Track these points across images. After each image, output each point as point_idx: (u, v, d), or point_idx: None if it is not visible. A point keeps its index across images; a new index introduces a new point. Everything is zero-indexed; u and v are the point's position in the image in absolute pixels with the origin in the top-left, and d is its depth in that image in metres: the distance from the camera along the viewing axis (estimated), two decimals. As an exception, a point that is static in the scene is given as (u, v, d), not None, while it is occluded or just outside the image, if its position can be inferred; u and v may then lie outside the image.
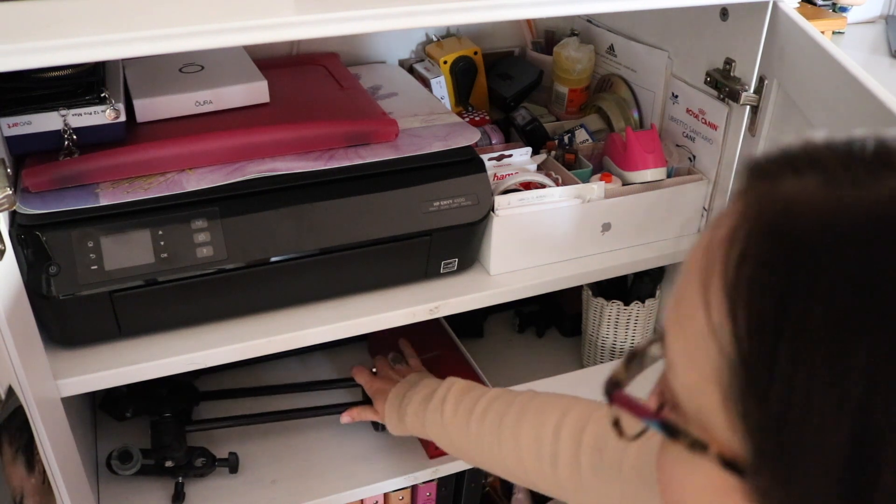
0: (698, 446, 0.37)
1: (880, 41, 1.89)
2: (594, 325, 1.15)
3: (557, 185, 0.96)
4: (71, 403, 0.82)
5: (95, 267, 0.76)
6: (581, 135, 1.09)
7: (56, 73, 0.77)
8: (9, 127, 0.78)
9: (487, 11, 0.74)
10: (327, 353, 1.21)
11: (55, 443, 0.75)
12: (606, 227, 0.98)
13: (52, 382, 0.77)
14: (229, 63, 0.96)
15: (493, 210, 0.91)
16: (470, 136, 0.92)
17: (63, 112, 0.79)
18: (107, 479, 0.98)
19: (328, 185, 0.84)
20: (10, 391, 0.67)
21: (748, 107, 0.94)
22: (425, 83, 1.13)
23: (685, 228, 1.04)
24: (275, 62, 1.05)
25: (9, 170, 0.70)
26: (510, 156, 0.99)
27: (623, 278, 1.15)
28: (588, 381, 1.12)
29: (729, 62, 0.95)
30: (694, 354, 0.36)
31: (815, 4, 1.88)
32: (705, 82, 0.99)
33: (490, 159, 0.97)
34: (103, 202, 0.77)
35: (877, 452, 0.31)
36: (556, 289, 0.97)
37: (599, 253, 0.99)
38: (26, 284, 0.72)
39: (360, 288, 0.90)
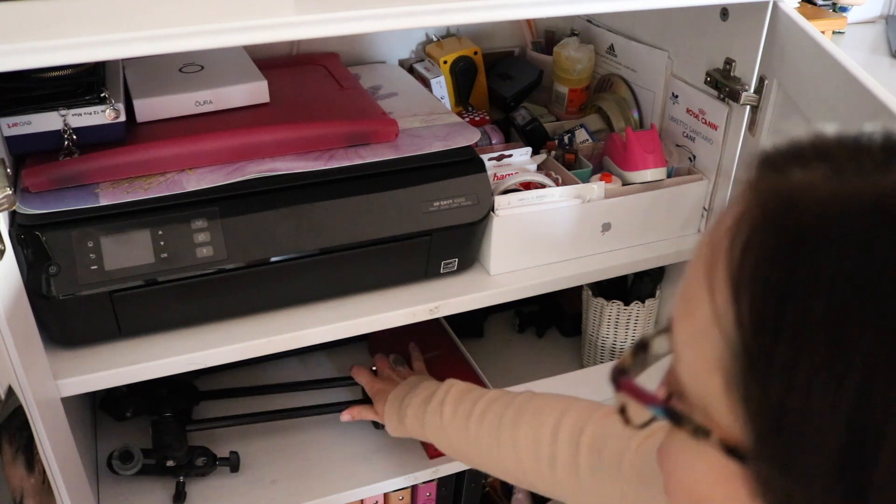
0: (701, 432, 0.37)
1: (880, 41, 1.89)
2: (594, 325, 1.15)
3: (557, 185, 0.96)
4: (71, 403, 0.82)
5: (95, 267, 0.76)
6: (581, 135, 1.09)
7: (56, 73, 0.77)
8: (9, 127, 0.78)
9: (487, 11, 0.74)
10: (327, 353, 1.21)
11: (55, 443, 0.75)
12: (606, 227, 0.98)
13: (52, 382, 0.77)
14: (229, 63, 0.96)
15: (493, 210, 0.91)
16: (470, 136, 0.92)
17: (63, 112, 0.79)
18: (107, 479, 0.98)
19: (328, 185, 0.84)
20: (10, 391, 0.67)
21: (748, 107, 0.94)
22: (425, 83, 1.13)
23: (685, 228, 1.04)
24: (275, 62, 1.05)
25: (9, 170, 0.70)
26: (510, 156, 0.99)
27: (623, 278, 1.15)
28: (588, 381, 1.12)
29: (729, 62, 0.95)
30: (699, 341, 0.37)
31: (815, 4, 1.88)
32: (705, 82, 0.99)
33: (490, 159, 0.97)
34: (103, 202, 0.77)
35: (873, 440, 0.31)
36: (556, 289, 0.97)
37: (599, 253, 0.99)
38: (26, 284, 0.72)
39: (360, 288, 0.90)
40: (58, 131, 0.79)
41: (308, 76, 1.05)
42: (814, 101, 0.85)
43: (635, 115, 1.13)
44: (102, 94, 0.80)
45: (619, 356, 1.14)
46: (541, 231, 0.94)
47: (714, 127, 0.99)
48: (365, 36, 1.17)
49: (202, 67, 0.94)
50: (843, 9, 1.90)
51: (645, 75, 1.11)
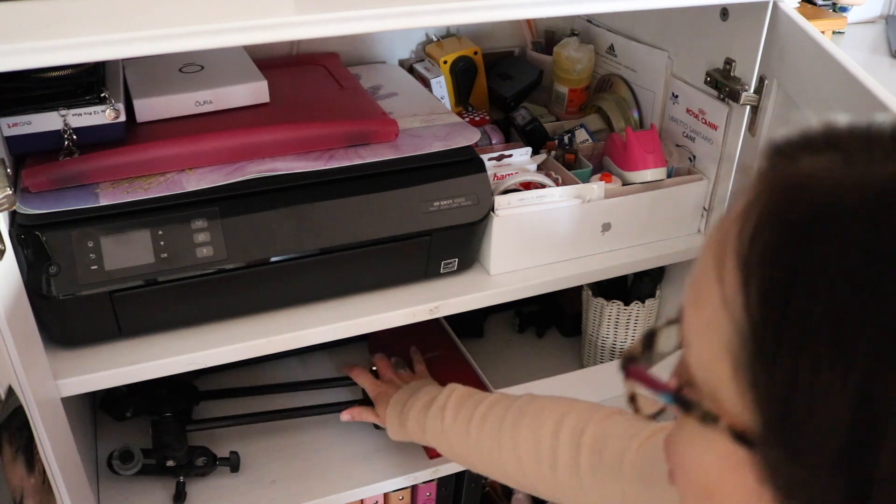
0: (710, 419, 0.37)
1: (880, 41, 1.89)
2: (594, 325, 1.15)
3: (557, 185, 0.96)
4: (71, 403, 0.82)
5: (95, 267, 0.76)
6: (581, 135, 1.09)
7: (56, 73, 0.77)
8: (9, 127, 0.78)
9: (487, 11, 0.74)
10: (327, 353, 1.21)
11: (55, 443, 0.75)
12: (606, 227, 0.98)
13: (52, 382, 0.77)
14: (229, 63, 0.96)
15: (493, 210, 0.91)
16: (470, 136, 0.92)
17: (63, 112, 0.79)
18: (107, 479, 0.98)
19: (328, 185, 0.84)
20: (10, 391, 0.67)
21: (748, 107, 0.94)
22: (425, 83, 1.13)
23: (685, 228, 1.04)
24: (275, 62, 1.05)
25: (9, 170, 0.70)
26: (510, 156, 0.99)
27: (623, 278, 1.15)
28: (588, 381, 1.12)
29: (729, 62, 0.95)
30: (708, 328, 0.37)
31: (815, 4, 1.88)
32: (705, 82, 0.99)
33: (490, 159, 0.97)
34: (103, 202, 0.77)
35: (879, 426, 0.32)
36: (556, 289, 0.97)
37: (599, 253, 0.99)
38: (26, 284, 0.72)
39: (360, 288, 0.90)
40: (58, 131, 0.79)
41: (308, 76, 1.05)
42: (814, 101, 0.85)
43: (635, 115, 1.13)
44: (102, 94, 0.80)
45: (619, 356, 1.14)
46: (541, 231, 0.94)
47: (714, 127, 0.99)
48: (365, 36, 1.17)
49: (202, 67, 0.94)
50: (843, 9, 1.90)
51: (645, 75, 1.11)
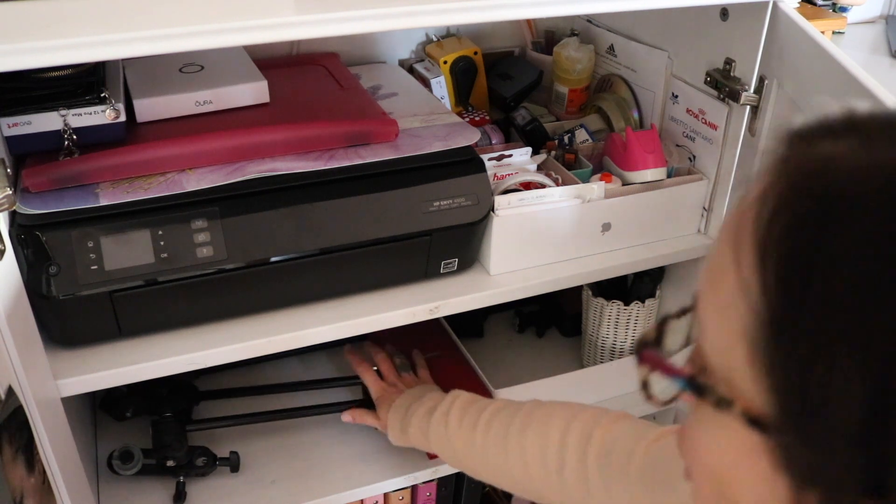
0: (724, 404, 0.37)
1: (880, 41, 1.89)
2: (594, 325, 1.15)
3: (557, 185, 0.96)
4: (71, 403, 0.82)
5: (95, 267, 0.76)
6: (581, 135, 1.09)
7: (56, 73, 0.77)
8: (9, 127, 0.78)
9: (487, 11, 0.74)
10: (327, 353, 1.21)
11: (55, 443, 0.75)
12: (606, 227, 0.98)
13: (52, 382, 0.77)
14: (229, 63, 0.96)
15: (493, 210, 0.91)
16: (470, 136, 0.92)
17: (63, 112, 0.79)
18: (107, 479, 0.98)
19: (328, 185, 0.84)
20: (10, 391, 0.67)
21: (748, 107, 0.94)
22: (425, 83, 1.13)
23: (685, 228, 1.04)
24: (275, 62, 1.05)
25: (9, 170, 0.70)
26: (510, 156, 0.99)
27: (623, 278, 1.15)
28: (588, 381, 1.12)
29: (729, 62, 0.95)
30: (724, 312, 0.37)
31: (815, 4, 1.88)
32: (705, 82, 0.99)
33: (490, 159, 0.97)
34: (103, 202, 0.77)
35: None
36: (556, 289, 0.97)
37: (599, 253, 0.99)
38: (26, 284, 0.72)
39: (360, 288, 0.90)
40: (58, 131, 0.79)
41: (308, 76, 1.05)
42: (814, 102, 0.85)
43: (635, 115, 1.13)
44: (102, 94, 0.80)
45: (619, 356, 1.14)
46: (541, 231, 0.94)
47: (714, 127, 0.99)
48: (365, 36, 1.17)
49: (202, 67, 0.94)
50: (843, 9, 1.90)
51: (645, 75, 1.11)
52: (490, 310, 1.12)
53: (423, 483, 1.07)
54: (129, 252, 0.77)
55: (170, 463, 0.96)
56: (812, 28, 0.84)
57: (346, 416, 1.00)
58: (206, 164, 0.83)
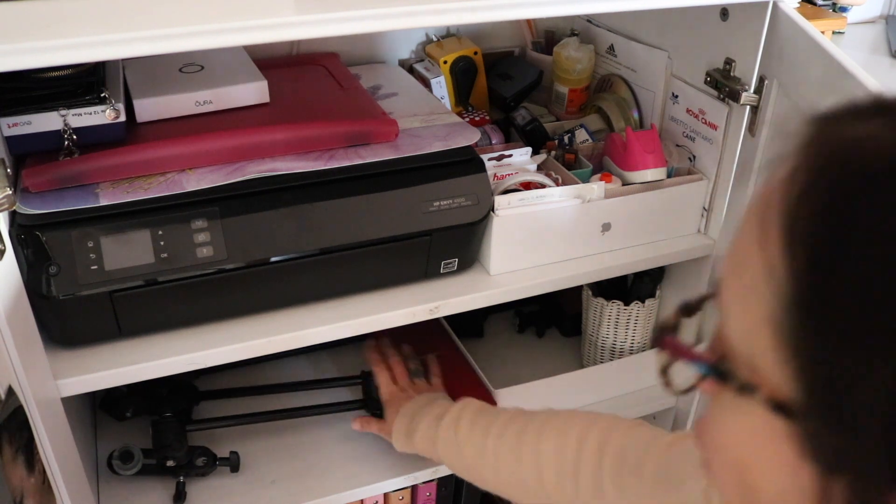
0: (747, 389, 0.37)
1: (880, 41, 1.89)
2: (594, 325, 1.15)
3: (557, 185, 0.96)
4: (71, 403, 0.82)
5: (95, 267, 0.76)
6: (581, 135, 1.09)
7: (56, 73, 0.77)
8: (9, 127, 0.78)
9: (487, 11, 0.74)
10: (328, 352, 1.21)
11: (55, 443, 0.75)
12: (606, 227, 0.98)
13: (52, 382, 0.77)
14: (229, 63, 0.96)
15: (493, 210, 0.91)
16: (470, 136, 0.92)
17: (63, 112, 0.79)
18: (107, 479, 0.98)
19: (328, 185, 0.84)
20: (10, 391, 0.67)
21: (748, 107, 0.94)
22: (425, 83, 1.13)
23: (685, 228, 1.04)
24: (275, 62, 1.05)
25: (9, 170, 0.70)
26: (510, 156, 0.99)
27: (623, 278, 1.15)
28: (588, 381, 1.12)
29: (729, 62, 0.95)
30: (748, 297, 0.36)
31: (815, 4, 1.88)
32: (705, 82, 0.99)
33: (490, 159, 0.97)
34: (103, 202, 0.77)
35: None
36: (556, 289, 0.97)
37: (599, 253, 0.99)
38: (26, 284, 0.72)
39: (360, 288, 0.90)
40: (58, 131, 0.79)
41: (308, 76, 1.05)
42: (814, 102, 0.85)
43: (635, 115, 1.13)
44: (102, 94, 0.80)
45: (619, 356, 1.14)
46: (541, 231, 0.94)
47: (714, 127, 0.99)
48: (365, 36, 1.17)
49: (202, 67, 0.94)
50: (843, 9, 1.90)
51: (645, 75, 1.11)
52: (490, 310, 1.12)
53: (423, 483, 1.07)
54: (129, 252, 0.77)
55: (170, 463, 0.96)
56: (812, 28, 0.84)
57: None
58: (206, 164, 0.83)
